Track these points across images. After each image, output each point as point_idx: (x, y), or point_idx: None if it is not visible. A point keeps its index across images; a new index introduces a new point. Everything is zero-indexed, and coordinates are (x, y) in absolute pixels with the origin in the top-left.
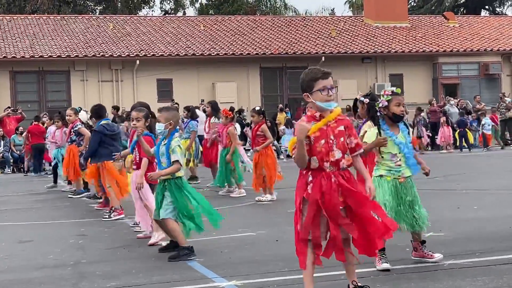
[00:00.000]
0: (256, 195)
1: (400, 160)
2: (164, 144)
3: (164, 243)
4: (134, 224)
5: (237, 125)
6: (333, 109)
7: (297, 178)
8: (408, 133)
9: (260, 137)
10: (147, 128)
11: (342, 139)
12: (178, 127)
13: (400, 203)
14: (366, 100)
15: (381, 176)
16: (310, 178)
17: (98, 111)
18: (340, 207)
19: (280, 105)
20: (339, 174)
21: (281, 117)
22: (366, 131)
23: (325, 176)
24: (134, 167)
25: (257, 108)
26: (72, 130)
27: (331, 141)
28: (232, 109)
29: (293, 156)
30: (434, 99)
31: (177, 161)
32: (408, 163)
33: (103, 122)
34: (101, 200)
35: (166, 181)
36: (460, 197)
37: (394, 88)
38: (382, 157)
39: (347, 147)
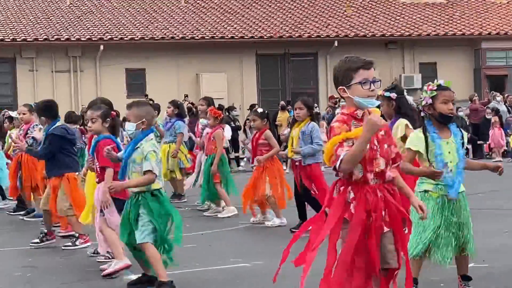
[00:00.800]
0: (251, 216)
1: (451, 171)
2: (137, 148)
3: (133, 276)
4: (94, 253)
5: (227, 128)
6: (374, 108)
7: (327, 194)
8: (462, 137)
9: (264, 146)
10: (109, 130)
11: (386, 146)
12: (154, 127)
13: (445, 226)
14: (394, 95)
15: (425, 191)
16: (352, 195)
17: (50, 108)
18: (386, 229)
19: (282, 102)
20: (384, 188)
21: (282, 117)
22: (404, 135)
23: (370, 190)
24: (96, 179)
25: (260, 110)
26: (27, 133)
27: (375, 147)
28: (220, 107)
29: (335, 159)
30: (476, 94)
31: (150, 171)
32: (452, 181)
33: (58, 123)
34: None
35: (139, 194)
36: (508, 219)
37: (441, 81)
38: (433, 166)
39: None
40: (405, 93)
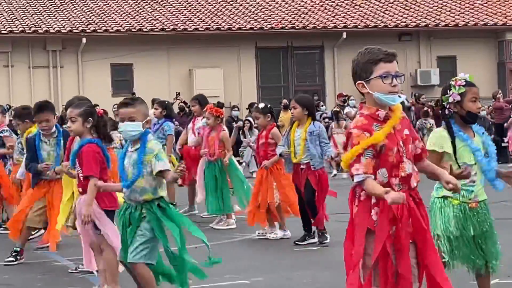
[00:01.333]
0: (257, 228)
1: (475, 174)
2: (135, 150)
3: None
4: (76, 269)
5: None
6: (396, 105)
7: (349, 203)
8: (484, 134)
9: (271, 147)
10: (93, 132)
11: (411, 146)
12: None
13: (466, 237)
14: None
15: (444, 197)
16: (374, 201)
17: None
18: (410, 241)
19: (285, 101)
20: (410, 195)
21: (285, 117)
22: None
23: None
24: (80, 189)
25: (261, 105)
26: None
27: (401, 150)
28: (220, 105)
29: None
30: (500, 91)
31: (167, 170)
32: (487, 176)
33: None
34: (38, 234)
35: (142, 206)
36: None
37: (466, 76)
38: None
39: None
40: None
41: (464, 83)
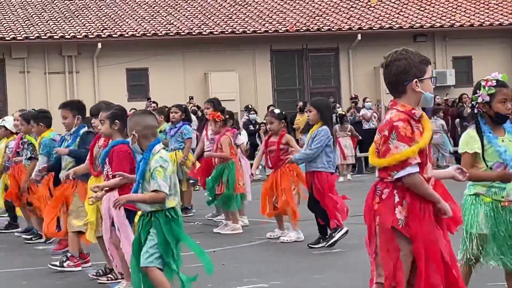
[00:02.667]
0: (268, 230)
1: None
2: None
3: None
4: (97, 274)
5: (244, 133)
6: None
7: (368, 199)
8: None
9: (284, 152)
10: (125, 133)
11: (431, 149)
12: (159, 138)
13: (497, 236)
14: None
15: (476, 195)
16: (397, 199)
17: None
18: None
19: (300, 103)
20: None
21: (301, 119)
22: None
23: (415, 196)
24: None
25: (277, 111)
26: (21, 142)
27: (426, 153)
28: (223, 109)
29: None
30: None
31: (157, 190)
32: None
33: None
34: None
35: (152, 214)
36: None
37: (499, 76)
38: (489, 167)
39: None
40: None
41: (495, 83)
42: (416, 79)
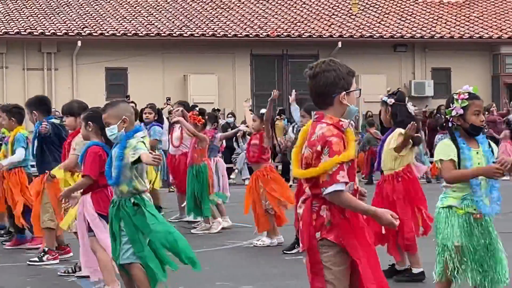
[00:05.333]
0: (243, 234)
1: (480, 184)
2: (126, 148)
3: None
4: (65, 272)
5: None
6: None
7: (305, 216)
8: (492, 151)
9: (265, 150)
10: (95, 135)
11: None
12: (139, 125)
13: (472, 248)
14: (391, 101)
15: (450, 207)
16: (337, 213)
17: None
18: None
19: (280, 108)
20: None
21: (280, 125)
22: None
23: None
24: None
25: (263, 110)
26: None
27: (352, 165)
28: (202, 111)
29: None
30: (494, 104)
31: (143, 153)
32: (489, 193)
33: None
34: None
35: (119, 202)
36: None
37: (470, 88)
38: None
39: None
40: (407, 102)
41: (467, 96)
42: (344, 92)
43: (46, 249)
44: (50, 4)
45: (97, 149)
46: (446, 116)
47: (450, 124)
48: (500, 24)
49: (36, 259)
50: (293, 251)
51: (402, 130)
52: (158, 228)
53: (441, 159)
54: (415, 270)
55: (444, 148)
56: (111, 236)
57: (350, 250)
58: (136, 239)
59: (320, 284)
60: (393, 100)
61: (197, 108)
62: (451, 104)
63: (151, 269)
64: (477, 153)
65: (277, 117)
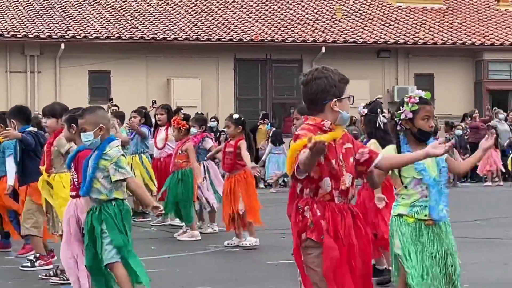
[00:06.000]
0: (226, 238)
1: (427, 188)
2: (103, 156)
3: None
4: (47, 276)
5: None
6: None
7: (291, 218)
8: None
9: (238, 158)
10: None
11: (351, 159)
12: (115, 135)
13: (426, 255)
14: (364, 111)
15: (400, 216)
16: (319, 214)
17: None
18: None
19: (263, 112)
20: (349, 209)
21: (263, 129)
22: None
23: (336, 209)
24: (72, 193)
25: (236, 116)
26: None
27: (340, 163)
28: (187, 117)
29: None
30: (477, 110)
31: (128, 177)
32: (434, 200)
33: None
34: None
35: (100, 207)
36: (509, 249)
37: (422, 93)
38: (404, 186)
39: (357, 168)
40: (380, 113)
41: (418, 100)
42: (335, 99)
43: (38, 255)
44: (33, 7)
45: (88, 153)
46: (395, 119)
47: (398, 127)
48: (483, 30)
49: (28, 264)
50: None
51: (375, 141)
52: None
53: None
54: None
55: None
56: (91, 244)
57: (326, 250)
58: (119, 237)
59: (309, 286)
60: (365, 111)
61: (182, 111)
62: (401, 107)
63: (132, 268)
64: (422, 161)
65: (260, 121)
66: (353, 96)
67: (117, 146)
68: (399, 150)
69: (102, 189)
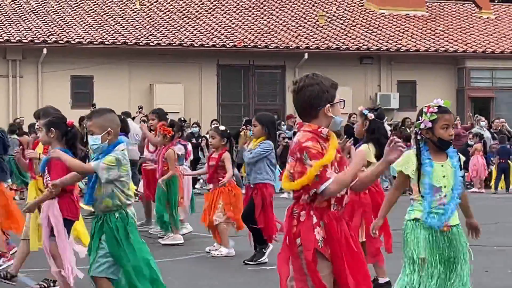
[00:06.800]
0: (208, 244)
1: (445, 196)
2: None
3: None
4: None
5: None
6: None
7: (286, 223)
8: (461, 166)
9: (222, 169)
10: (64, 142)
11: (345, 168)
12: (123, 138)
13: (437, 261)
14: (371, 115)
15: (416, 220)
16: (315, 220)
17: None
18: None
19: (246, 118)
20: (342, 217)
21: (244, 136)
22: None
23: (331, 216)
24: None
25: (222, 128)
26: None
27: (336, 171)
28: (172, 123)
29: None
30: (458, 117)
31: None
32: (450, 209)
33: None
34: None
35: (104, 216)
36: (490, 257)
37: (441, 102)
38: (420, 193)
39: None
40: (385, 122)
41: (436, 109)
42: (328, 104)
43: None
44: (16, 11)
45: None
46: (415, 129)
47: (419, 137)
48: (466, 38)
49: None
50: (253, 262)
51: (371, 146)
52: (139, 255)
53: (401, 171)
54: (381, 280)
55: (407, 161)
56: (89, 250)
57: (328, 256)
58: (118, 254)
59: None
60: (373, 116)
61: (168, 116)
62: (420, 117)
63: (121, 286)
64: (442, 166)
65: (243, 127)
66: (344, 100)
67: (122, 150)
68: (419, 159)
69: (105, 193)
